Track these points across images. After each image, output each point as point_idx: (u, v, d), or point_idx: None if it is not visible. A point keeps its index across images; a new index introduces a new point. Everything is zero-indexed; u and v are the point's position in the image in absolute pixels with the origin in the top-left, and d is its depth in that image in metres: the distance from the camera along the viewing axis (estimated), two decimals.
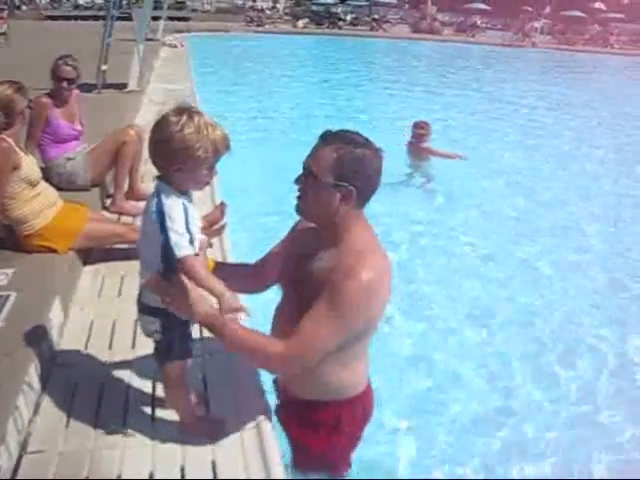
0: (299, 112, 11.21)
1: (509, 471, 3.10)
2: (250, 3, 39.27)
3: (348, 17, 36.55)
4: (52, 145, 4.43)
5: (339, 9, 37.78)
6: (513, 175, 8.16)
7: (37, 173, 3.47)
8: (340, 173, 1.91)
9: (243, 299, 3.08)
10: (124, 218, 4.41)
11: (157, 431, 2.31)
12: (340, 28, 33.22)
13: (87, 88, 7.98)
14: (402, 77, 17.25)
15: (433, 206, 6.72)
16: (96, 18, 21.20)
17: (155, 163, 1.93)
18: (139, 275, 2.08)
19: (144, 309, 2.09)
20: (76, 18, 29.49)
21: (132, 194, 4.64)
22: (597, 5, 40.81)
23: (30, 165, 3.40)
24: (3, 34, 15.74)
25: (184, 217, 1.89)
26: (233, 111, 10.23)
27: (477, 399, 3.63)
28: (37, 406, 2.44)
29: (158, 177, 1.96)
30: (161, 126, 1.87)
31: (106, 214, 4.37)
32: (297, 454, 2.32)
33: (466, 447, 3.22)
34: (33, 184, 3.40)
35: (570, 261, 5.64)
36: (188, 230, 1.88)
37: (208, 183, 2.00)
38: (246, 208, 5.66)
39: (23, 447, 2.22)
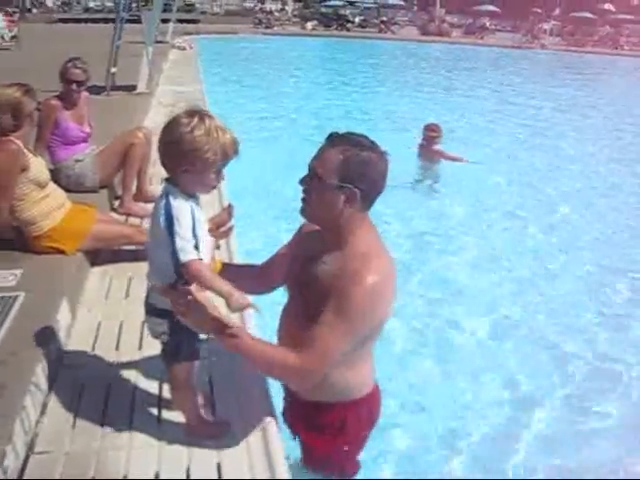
0: (308, 113, 11.24)
1: None
2: (259, 5, 39.36)
3: (356, 19, 36.64)
4: (61, 147, 4.45)
5: (348, 11, 37.93)
6: (524, 176, 8.16)
7: (46, 175, 3.49)
8: (345, 175, 1.91)
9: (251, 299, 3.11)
10: (132, 220, 4.43)
11: (163, 432, 2.31)
12: (348, 30, 33.29)
13: (96, 90, 8.04)
14: (411, 79, 17.25)
15: (442, 208, 6.72)
16: (106, 21, 21.36)
17: (164, 164, 1.94)
18: (146, 277, 2.09)
19: (152, 311, 2.10)
20: (86, 21, 29.73)
21: (140, 196, 4.66)
22: (607, 6, 40.58)
23: (39, 167, 3.42)
24: (14, 37, 15.91)
25: (191, 221, 1.89)
26: (242, 112, 10.28)
27: None
28: (44, 406, 2.45)
29: (166, 179, 1.97)
30: (171, 127, 1.88)
31: (114, 215, 4.39)
32: (305, 454, 2.33)
33: None
34: (42, 186, 3.42)
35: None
36: (194, 235, 1.89)
37: (215, 187, 2.01)
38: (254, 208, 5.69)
39: (30, 447, 2.23)
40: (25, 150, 3.33)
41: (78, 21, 30.19)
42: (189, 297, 1.92)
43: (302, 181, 2.00)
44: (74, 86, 4.44)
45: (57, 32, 22.02)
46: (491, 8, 41.11)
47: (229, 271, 2.30)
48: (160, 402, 2.47)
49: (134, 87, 9.41)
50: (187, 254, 1.86)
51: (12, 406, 2.23)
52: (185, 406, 2.26)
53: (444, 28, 34.53)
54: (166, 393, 2.43)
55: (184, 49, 17.73)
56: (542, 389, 3.76)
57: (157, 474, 2.13)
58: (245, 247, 4.12)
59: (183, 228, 1.87)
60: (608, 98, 16.81)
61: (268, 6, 40.27)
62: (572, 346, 4.21)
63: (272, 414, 2.43)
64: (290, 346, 2.03)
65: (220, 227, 2.98)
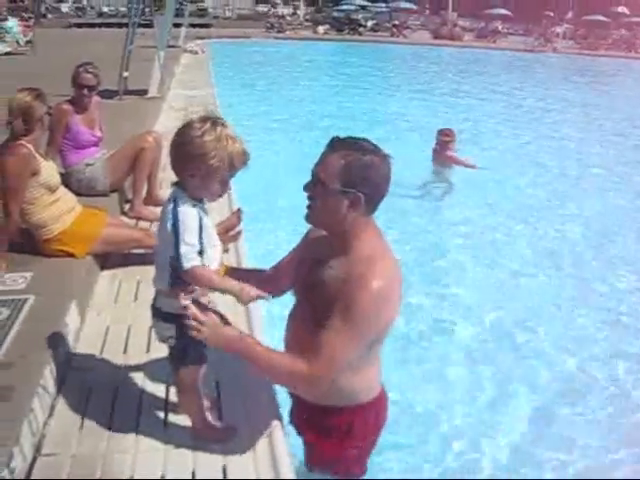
0: (320, 117, 11.23)
1: None
2: (271, 10, 39.51)
3: (369, 23, 36.66)
4: (72, 151, 4.49)
5: (360, 15, 37.89)
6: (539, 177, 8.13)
7: (56, 179, 3.52)
8: (348, 180, 1.91)
9: (259, 305, 3.12)
10: (142, 223, 4.45)
11: (169, 436, 2.31)
12: (360, 34, 33.29)
13: (109, 94, 8.10)
14: (423, 83, 17.22)
15: (454, 212, 6.70)
16: (120, 25, 21.54)
17: (172, 166, 1.97)
18: (152, 281, 2.09)
19: (159, 314, 2.11)
20: (100, 26, 30.03)
21: (150, 200, 4.69)
22: (620, 9, 40.26)
23: (49, 171, 3.45)
24: (29, 42, 16.08)
25: (197, 226, 1.91)
26: (253, 116, 10.30)
27: None
28: (52, 409, 2.47)
29: (175, 183, 1.99)
30: (184, 130, 1.91)
31: (125, 219, 4.42)
32: (311, 457, 2.32)
33: None
34: (52, 189, 3.45)
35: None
36: (200, 241, 1.91)
37: (221, 196, 2.02)
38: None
39: (37, 449, 2.24)
40: (36, 154, 3.36)
41: (92, 26, 30.50)
42: (203, 318, 1.96)
43: (306, 187, 2.01)
44: (85, 90, 4.48)
45: (71, 37, 22.26)
46: (503, 12, 40.91)
47: (236, 275, 2.31)
48: (167, 405, 2.48)
49: (146, 91, 9.47)
50: (190, 261, 1.88)
51: (20, 408, 2.24)
52: (191, 410, 2.27)
53: (456, 32, 34.44)
54: (173, 397, 2.44)
55: (196, 53, 17.86)
56: None
57: (163, 477, 2.13)
58: (252, 249, 4.12)
59: (189, 233, 1.89)
60: (622, 101, 16.66)
61: (280, 10, 40.41)
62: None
63: (279, 418, 2.43)
64: (297, 350, 2.03)
65: (229, 231, 3.00)
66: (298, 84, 15.63)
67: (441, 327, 4.36)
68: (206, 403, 2.34)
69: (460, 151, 7.61)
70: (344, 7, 40.05)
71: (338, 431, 2.19)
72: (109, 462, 2.19)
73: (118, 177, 4.65)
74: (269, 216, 5.85)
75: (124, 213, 4.63)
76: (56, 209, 3.46)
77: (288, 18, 37.97)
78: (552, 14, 37.65)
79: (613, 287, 5.20)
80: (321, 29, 33.21)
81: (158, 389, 2.58)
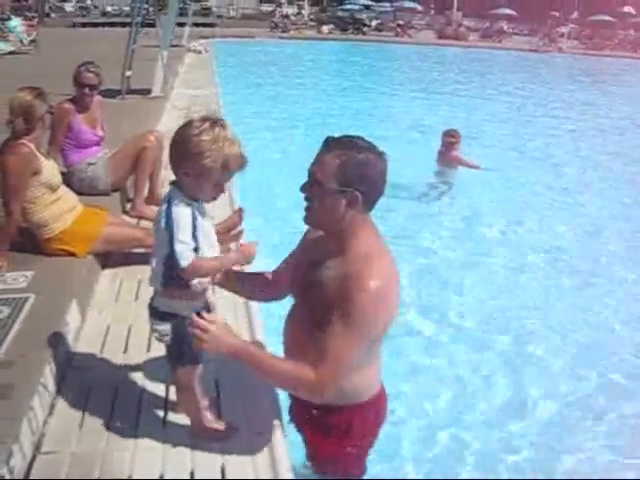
0: (324, 116, 11.22)
1: None
2: (276, 9, 39.54)
3: (373, 23, 36.65)
4: (74, 150, 4.50)
5: (364, 15, 37.93)
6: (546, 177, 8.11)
7: (57, 178, 3.52)
8: (344, 179, 1.91)
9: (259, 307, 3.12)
10: (143, 223, 4.45)
11: (168, 435, 2.32)
12: (365, 34, 33.29)
13: (112, 94, 8.11)
14: (427, 83, 17.21)
15: (460, 214, 6.68)
16: (123, 25, 21.53)
17: (170, 164, 1.98)
18: (148, 280, 2.10)
19: (155, 314, 2.11)
20: (104, 25, 30.09)
21: (152, 199, 4.68)
22: (626, 9, 40.15)
23: (50, 170, 3.45)
24: (33, 41, 16.12)
25: (191, 224, 1.91)
26: (256, 116, 10.30)
27: None
28: (52, 407, 2.47)
29: (172, 182, 1.99)
30: (183, 128, 1.92)
31: (126, 218, 4.42)
32: (310, 455, 2.33)
33: None
34: (53, 189, 3.45)
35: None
36: (194, 239, 1.91)
37: (215, 199, 2.02)
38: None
39: (37, 447, 2.25)
40: (37, 153, 3.36)
41: (96, 25, 30.58)
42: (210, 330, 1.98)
43: (302, 188, 2.00)
44: (87, 90, 4.48)
45: (75, 36, 22.31)
46: (508, 12, 40.90)
47: (240, 280, 2.37)
48: (166, 405, 2.48)
49: (149, 91, 9.47)
50: (186, 259, 1.89)
51: (20, 406, 2.25)
52: (189, 408, 2.27)
53: (461, 32, 34.41)
54: (172, 396, 2.44)
55: (200, 52, 17.88)
56: None
57: (161, 475, 2.14)
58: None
59: (182, 232, 1.89)
60: (627, 101, 16.61)
61: (284, 10, 40.45)
62: None
63: (278, 418, 2.43)
64: (296, 353, 2.04)
65: (231, 230, 3.00)
66: (302, 84, 15.62)
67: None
68: (205, 402, 2.34)
69: (465, 151, 7.61)
70: (348, 7, 40.11)
71: (337, 430, 2.19)
72: (108, 461, 2.19)
73: (120, 176, 4.65)
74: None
75: (126, 212, 4.63)
76: (57, 208, 3.47)
77: (292, 18, 38.01)
78: (557, 14, 37.62)
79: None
80: (325, 29, 33.20)
81: (158, 388, 2.58)
